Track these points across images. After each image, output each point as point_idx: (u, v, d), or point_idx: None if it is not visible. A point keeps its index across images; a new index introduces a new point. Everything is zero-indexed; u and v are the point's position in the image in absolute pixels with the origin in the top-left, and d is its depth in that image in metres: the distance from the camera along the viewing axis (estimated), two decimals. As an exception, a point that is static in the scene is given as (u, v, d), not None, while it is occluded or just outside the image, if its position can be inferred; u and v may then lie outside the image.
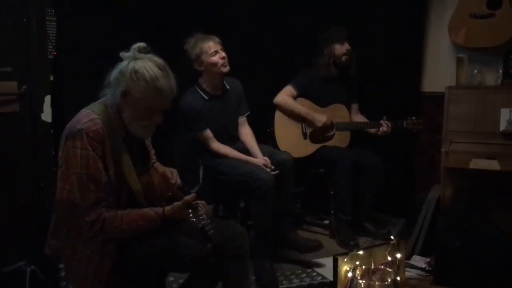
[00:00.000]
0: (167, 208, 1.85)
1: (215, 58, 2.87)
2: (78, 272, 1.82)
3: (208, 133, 2.95)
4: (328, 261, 2.70)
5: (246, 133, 3.13)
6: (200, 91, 2.97)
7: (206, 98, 2.96)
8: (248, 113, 3.19)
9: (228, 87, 3.06)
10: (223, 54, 2.91)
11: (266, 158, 2.94)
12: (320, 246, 2.93)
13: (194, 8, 3.47)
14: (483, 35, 3.26)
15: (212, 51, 2.87)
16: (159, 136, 2.10)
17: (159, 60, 1.86)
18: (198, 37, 2.91)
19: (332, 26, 3.42)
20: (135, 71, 1.79)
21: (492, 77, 3.36)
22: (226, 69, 2.91)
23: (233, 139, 3.09)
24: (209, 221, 1.80)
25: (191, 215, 1.81)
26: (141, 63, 1.81)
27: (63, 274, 2.18)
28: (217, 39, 2.92)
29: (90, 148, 1.75)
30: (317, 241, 2.97)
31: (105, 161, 1.79)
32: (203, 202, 1.90)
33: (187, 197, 1.84)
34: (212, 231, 1.78)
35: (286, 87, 3.42)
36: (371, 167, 3.32)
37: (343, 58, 3.39)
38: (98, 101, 1.91)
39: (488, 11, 3.23)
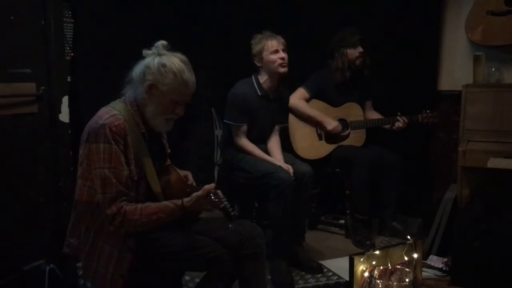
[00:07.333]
0: (186, 199, 1.88)
1: (274, 57, 2.89)
2: (98, 268, 1.84)
3: (244, 128, 2.96)
4: (344, 261, 2.69)
5: (274, 140, 3.10)
6: (256, 85, 2.97)
7: (260, 94, 2.96)
8: (286, 125, 3.20)
9: (282, 94, 3.07)
10: (283, 54, 2.91)
11: (290, 166, 2.88)
12: (319, 269, 2.85)
13: (205, 10, 3.48)
14: (501, 33, 3.21)
15: (273, 49, 2.89)
16: (174, 134, 2.12)
17: (182, 56, 1.94)
18: (264, 34, 2.95)
19: (344, 28, 3.38)
20: (163, 65, 1.87)
21: (510, 75, 3.32)
22: (283, 69, 2.91)
23: (263, 143, 3.08)
24: (229, 203, 1.85)
25: (212, 197, 1.84)
26: (167, 58, 1.90)
27: (81, 272, 2.21)
28: (281, 40, 2.94)
29: (113, 142, 1.78)
30: (317, 263, 2.90)
31: (126, 155, 1.82)
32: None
33: (206, 186, 1.87)
34: (235, 212, 1.80)
35: (298, 89, 3.41)
36: (388, 164, 3.30)
37: (357, 61, 3.36)
38: (118, 100, 1.95)
39: (506, 8, 3.18)
